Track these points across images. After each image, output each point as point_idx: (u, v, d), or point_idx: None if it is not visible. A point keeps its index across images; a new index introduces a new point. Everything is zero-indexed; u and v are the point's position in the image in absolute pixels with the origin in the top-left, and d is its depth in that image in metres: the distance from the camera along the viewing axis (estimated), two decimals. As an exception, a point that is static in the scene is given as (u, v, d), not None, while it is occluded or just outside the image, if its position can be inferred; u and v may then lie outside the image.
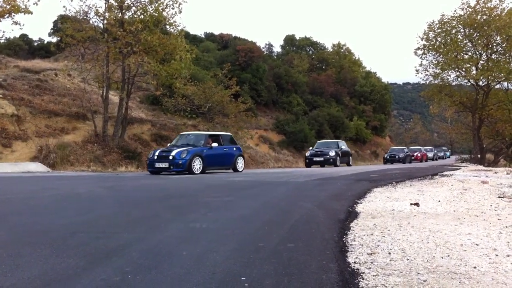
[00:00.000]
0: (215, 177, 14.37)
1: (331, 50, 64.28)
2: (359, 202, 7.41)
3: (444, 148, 63.36)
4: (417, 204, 6.95)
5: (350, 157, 30.16)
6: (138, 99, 33.09)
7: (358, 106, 54.63)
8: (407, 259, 3.63)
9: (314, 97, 49.36)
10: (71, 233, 4.71)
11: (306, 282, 3.01)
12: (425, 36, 32.38)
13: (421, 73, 33.82)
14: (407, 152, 41.55)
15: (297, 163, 35.44)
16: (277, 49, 66.63)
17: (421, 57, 33.14)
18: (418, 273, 3.25)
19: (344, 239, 4.48)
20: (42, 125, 23.50)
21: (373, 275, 3.21)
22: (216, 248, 3.98)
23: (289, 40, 64.34)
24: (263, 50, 55.95)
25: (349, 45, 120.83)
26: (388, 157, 39.87)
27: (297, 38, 64.66)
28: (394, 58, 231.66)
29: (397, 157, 39.06)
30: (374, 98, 56.21)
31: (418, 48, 32.87)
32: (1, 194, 8.88)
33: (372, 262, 3.54)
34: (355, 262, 3.55)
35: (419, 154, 45.09)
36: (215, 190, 9.72)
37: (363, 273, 3.27)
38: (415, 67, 43.53)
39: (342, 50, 63.57)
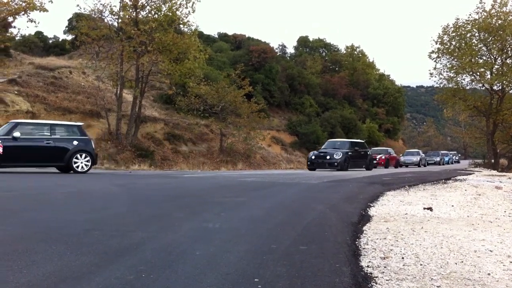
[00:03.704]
0: (227, 177, 14.38)
1: (345, 52, 64.11)
2: (371, 205, 7.38)
3: (452, 152, 61.78)
4: (430, 209, 6.92)
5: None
6: (151, 98, 33.23)
7: (371, 108, 54.42)
8: (421, 264, 3.62)
9: (326, 99, 49.26)
10: (85, 230, 4.73)
11: (319, 285, 3.01)
12: (439, 40, 32.14)
13: (435, 77, 33.52)
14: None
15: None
16: (290, 50, 66.66)
17: (435, 61, 32.88)
18: (432, 279, 3.24)
19: (357, 242, 4.47)
20: (57, 122, 23.65)
21: (387, 280, 3.20)
22: (229, 249, 3.99)
23: (303, 42, 64.25)
24: (276, 51, 55.93)
25: (363, 47, 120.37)
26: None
27: (311, 39, 64.58)
28: (408, 61, 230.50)
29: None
30: (387, 101, 55.96)
31: (433, 52, 32.61)
32: (16, 190, 8.96)
33: (385, 267, 3.53)
34: (368, 266, 3.54)
35: (383, 157, 35.28)
36: (227, 190, 9.73)
37: (376, 277, 3.26)
38: (429, 70, 43.21)
39: (355, 52, 63.38)
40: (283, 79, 44.57)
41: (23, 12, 22.76)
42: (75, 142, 15.33)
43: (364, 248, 4.20)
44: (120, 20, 24.39)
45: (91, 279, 3.00)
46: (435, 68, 33.20)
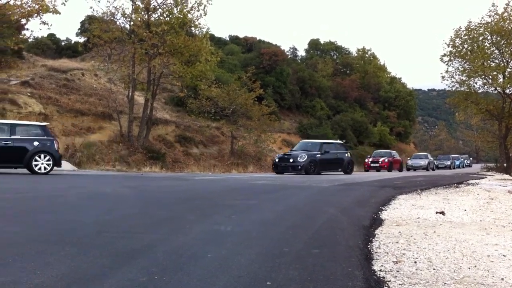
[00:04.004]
0: (238, 180, 14.39)
1: (356, 55, 63.93)
2: (383, 209, 7.36)
3: (464, 155, 60.75)
4: (442, 213, 6.88)
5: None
6: (163, 100, 33.33)
7: (382, 111, 54.21)
8: (434, 269, 3.59)
9: (337, 102, 49.14)
10: (97, 232, 4.77)
11: (331, 288, 3.00)
12: (451, 43, 31.94)
13: (447, 80, 33.33)
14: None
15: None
16: (301, 53, 66.53)
17: (447, 64, 32.69)
18: (445, 283, 3.22)
19: (369, 246, 4.46)
20: (69, 124, 23.85)
21: (399, 284, 3.19)
22: (240, 251, 4.00)
23: (314, 44, 64.17)
24: (287, 53, 55.87)
25: (374, 50, 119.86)
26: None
27: (322, 42, 64.45)
28: (419, 64, 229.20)
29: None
30: (398, 104, 55.70)
31: (444, 55, 32.42)
32: (29, 192, 9.03)
33: (398, 271, 3.51)
34: (380, 270, 3.53)
35: (386, 160, 32.86)
36: (238, 193, 9.75)
37: (389, 281, 3.25)
38: (441, 73, 43.15)
39: (367, 55, 63.17)
40: (294, 82, 44.53)
41: (36, 15, 22.97)
42: (36, 143, 14.78)
43: (376, 252, 4.18)
44: (132, 23, 24.53)
45: (104, 281, 3.02)
46: (447, 71, 33.03)
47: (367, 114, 50.48)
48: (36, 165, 14.69)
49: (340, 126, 42.54)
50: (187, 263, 3.55)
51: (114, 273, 3.21)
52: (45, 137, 15.14)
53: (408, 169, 37.06)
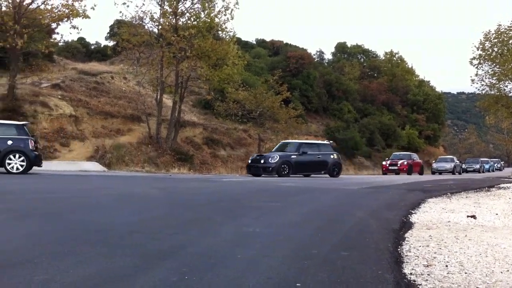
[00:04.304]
0: (265, 182, 14.40)
1: (383, 58, 63.44)
2: (413, 212, 7.28)
3: (495, 159, 59.18)
4: (473, 217, 6.77)
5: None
6: (190, 103, 33.59)
7: (411, 115, 53.62)
8: (465, 273, 3.54)
9: (365, 105, 48.84)
10: (127, 232, 4.82)
11: (361, 291, 2.98)
12: (481, 46, 31.44)
13: (477, 83, 32.80)
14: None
15: (348, 170, 35.09)
16: (328, 56, 66.28)
17: (476, 67, 32.19)
18: (477, 287, 3.17)
19: (399, 249, 4.41)
20: (99, 126, 24.24)
21: (430, 287, 3.15)
22: (269, 253, 4.00)
23: (341, 48, 63.89)
24: (314, 57, 55.76)
25: (402, 53, 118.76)
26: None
27: (349, 45, 64.14)
28: (448, 67, 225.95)
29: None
30: (427, 107, 55.05)
31: (474, 58, 31.93)
32: (60, 192, 9.20)
33: (428, 274, 3.47)
34: (411, 274, 3.49)
35: (405, 163, 31.43)
36: (265, 195, 9.76)
37: (419, 285, 3.21)
38: (471, 76, 42.31)
39: (394, 58, 62.61)
40: (321, 85, 44.42)
41: (66, 19, 23.43)
42: (10, 142, 14.74)
43: (406, 255, 4.13)
44: (160, 27, 24.84)
45: (135, 280, 3.05)
46: (476, 75, 32.52)
47: (395, 117, 50.01)
48: (9, 164, 14.70)
49: (367, 129, 42.25)
50: (216, 263, 3.56)
51: (144, 273, 3.23)
52: (20, 137, 15.09)
53: (433, 173, 36.04)
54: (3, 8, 23.03)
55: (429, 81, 66.37)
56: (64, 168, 18.97)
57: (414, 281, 3.30)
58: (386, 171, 31.63)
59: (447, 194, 10.76)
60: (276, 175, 19.05)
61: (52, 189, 9.93)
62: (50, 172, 16.83)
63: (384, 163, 32.67)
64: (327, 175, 21.29)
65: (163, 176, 17.56)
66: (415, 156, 34.39)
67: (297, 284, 3.05)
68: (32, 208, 6.61)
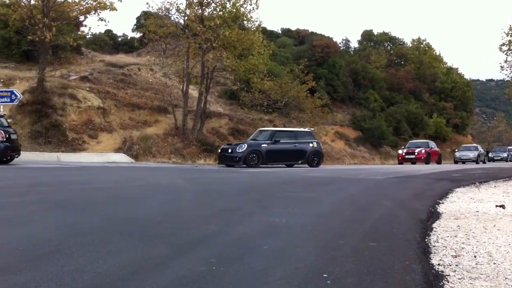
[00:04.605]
0: (291, 173, 14.42)
1: (410, 45, 62.53)
2: (440, 202, 7.22)
3: None
4: (503, 206, 6.68)
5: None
6: (216, 93, 33.70)
7: (438, 103, 52.83)
8: (494, 263, 3.52)
9: (391, 93, 48.26)
10: (156, 222, 4.91)
11: (389, 282, 2.99)
12: (510, 32, 30.77)
13: (506, 70, 32.12)
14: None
15: (374, 160, 34.86)
16: (354, 44, 65.66)
17: (506, 53, 31.50)
18: (506, 278, 3.15)
19: (426, 240, 4.40)
20: (126, 117, 24.54)
21: (459, 278, 3.14)
22: (297, 243, 4.03)
23: (367, 35, 63.20)
24: (339, 45, 55.33)
25: (430, 40, 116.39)
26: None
27: (375, 33, 63.40)
28: (477, 54, 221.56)
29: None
30: (455, 95, 54.16)
31: (503, 44, 31.24)
32: (90, 183, 9.38)
33: (457, 265, 3.46)
34: (439, 264, 3.48)
35: (423, 151, 29.30)
36: (292, 186, 9.79)
37: (448, 275, 3.21)
38: (500, 63, 41.46)
39: (422, 46, 61.66)
40: (346, 74, 44.05)
41: (93, 11, 23.76)
42: None
43: (434, 246, 4.12)
44: (186, 18, 24.94)
45: (164, 270, 3.11)
46: (506, 61, 31.84)
47: (422, 105, 49.33)
48: None
49: (394, 118, 41.81)
50: (244, 254, 3.61)
51: (174, 263, 3.30)
52: None
53: (456, 162, 34.05)
54: (32, 2, 23.42)
55: (457, 68, 65.20)
56: (93, 159, 19.32)
57: (442, 271, 3.30)
58: (402, 161, 29.39)
59: (475, 183, 10.63)
60: (244, 165, 18.15)
61: (87, 181, 10.12)
62: (79, 164, 17.14)
63: (400, 151, 30.43)
64: (307, 165, 19.95)
65: (189, 167, 17.72)
66: (432, 144, 32.26)
67: (325, 275, 3.08)
68: (66, 199, 6.76)
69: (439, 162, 30.44)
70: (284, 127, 29.34)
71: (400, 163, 29.14)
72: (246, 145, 18.63)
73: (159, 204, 6.49)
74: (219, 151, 20.03)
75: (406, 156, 29.20)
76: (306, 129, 21.93)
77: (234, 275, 3.04)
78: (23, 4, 22.78)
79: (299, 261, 3.42)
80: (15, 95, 20.23)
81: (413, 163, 28.37)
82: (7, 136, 15.13)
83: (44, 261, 3.24)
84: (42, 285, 2.68)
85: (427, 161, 28.67)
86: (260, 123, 30.06)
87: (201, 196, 7.71)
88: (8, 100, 20.18)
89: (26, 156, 18.62)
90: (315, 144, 20.47)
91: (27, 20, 22.32)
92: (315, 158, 20.25)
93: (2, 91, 20.65)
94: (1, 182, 8.87)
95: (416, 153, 28.94)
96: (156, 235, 4.25)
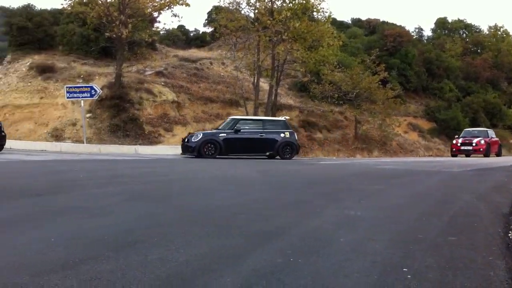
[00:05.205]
0: (363, 165, 14.23)
1: (487, 32, 59.87)
2: (524, 195, 6.92)
3: None
4: None
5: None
6: (286, 86, 33.68)
7: (518, 92, 50.40)
8: None
9: (468, 83, 46.45)
10: (231, 214, 4.98)
11: (472, 277, 2.90)
12: None
13: None
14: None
15: (449, 152, 33.74)
16: (427, 33, 63.56)
17: None
18: None
19: (510, 234, 4.23)
20: (199, 110, 25.05)
21: (546, 275, 3.02)
22: (373, 237, 3.98)
23: (441, 23, 61.07)
24: (412, 34, 53.73)
25: (508, 26, 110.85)
26: None
27: (449, 20, 61.13)
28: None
29: None
30: (537, 84, 51.48)
31: None
32: (166, 175, 9.66)
33: (544, 262, 3.32)
34: (524, 260, 3.35)
35: (482, 141, 25.97)
36: (364, 178, 9.67)
37: (534, 272, 3.08)
38: None
39: (499, 33, 58.90)
40: (419, 63, 42.79)
41: (167, 8, 24.36)
42: None
43: (518, 241, 3.97)
44: (256, 11, 25.04)
45: (242, 261, 3.15)
46: None
47: (500, 95, 47.17)
48: None
49: (471, 108, 40.22)
50: (320, 246, 3.60)
51: (251, 254, 3.34)
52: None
53: None
54: (109, 0, 24.30)
55: (539, 55, 61.82)
56: (168, 152, 19.91)
57: (528, 268, 3.17)
58: (456, 153, 26.25)
59: (561, 176, 10.11)
60: (198, 155, 17.06)
61: (166, 172, 10.43)
62: (155, 156, 17.67)
63: (454, 142, 26.93)
64: (278, 157, 18.43)
65: (260, 159, 17.80)
66: (492, 133, 28.27)
67: (404, 269, 3.03)
68: (144, 190, 6.97)
69: (498, 154, 27.42)
70: (356, 119, 28.93)
71: (454, 155, 26.32)
72: (201, 134, 17.72)
73: (232, 195, 6.59)
74: (181, 140, 19.11)
75: (462, 148, 26.16)
76: (280, 118, 20.29)
77: (312, 267, 3.05)
78: (100, 2, 23.66)
79: (377, 255, 3.38)
80: (95, 90, 21.19)
81: (468, 155, 25.54)
82: None
83: (128, 250, 3.35)
84: (128, 273, 2.78)
85: (486, 154, 25.53)
86: (331, 115, 29.82)
87: (273, 188, 7.75)
88: (89, 95, 21.19)
89: (106, 149, 19.52)
90: (287, 134, 18.63)
91: (104, 17, 23.20)
92: (287, 149, 18.48)
93: (82, 87, 21.65)
94: (81, 174, 9.25)
95: (474, 144, 25.72)
96: (231, 226, 4.32)
